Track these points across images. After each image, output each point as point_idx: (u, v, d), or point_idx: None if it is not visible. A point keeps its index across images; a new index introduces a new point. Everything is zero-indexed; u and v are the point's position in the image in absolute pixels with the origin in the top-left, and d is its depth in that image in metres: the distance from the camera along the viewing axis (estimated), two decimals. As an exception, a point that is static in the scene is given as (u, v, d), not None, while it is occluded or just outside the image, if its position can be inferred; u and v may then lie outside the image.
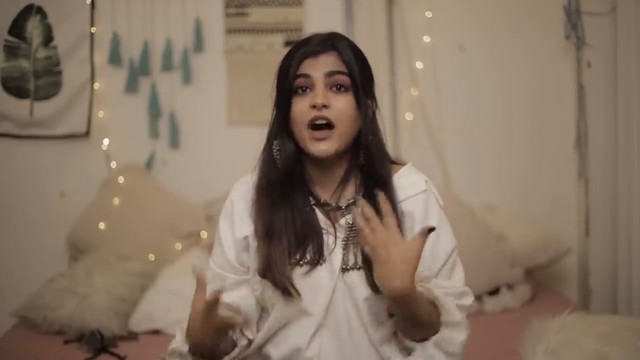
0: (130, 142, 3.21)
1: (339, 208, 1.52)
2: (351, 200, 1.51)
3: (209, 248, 1.82)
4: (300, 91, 1.48)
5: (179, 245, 2.98)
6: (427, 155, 3.22)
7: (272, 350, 1.52)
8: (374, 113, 1.52)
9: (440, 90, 3.24)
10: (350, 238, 1.49)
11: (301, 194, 1.52)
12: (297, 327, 1.50)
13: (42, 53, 3.04)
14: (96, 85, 3.14)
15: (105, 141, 3.19)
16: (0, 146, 3.11)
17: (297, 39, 1.54)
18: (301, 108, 1.47)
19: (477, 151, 3.28)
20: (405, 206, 1.49)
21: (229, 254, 1.53)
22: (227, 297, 1.46)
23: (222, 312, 1.35)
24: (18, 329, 2.58)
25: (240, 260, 1.53)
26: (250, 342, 1.53)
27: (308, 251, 1.48)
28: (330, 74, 1.47)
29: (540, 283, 3.04)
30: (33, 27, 3.03)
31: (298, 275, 1.48)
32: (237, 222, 1.53)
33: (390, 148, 1.58)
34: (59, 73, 3.06)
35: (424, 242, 1.32)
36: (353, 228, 1.48)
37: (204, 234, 3.03)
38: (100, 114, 3.18)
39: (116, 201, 3.04)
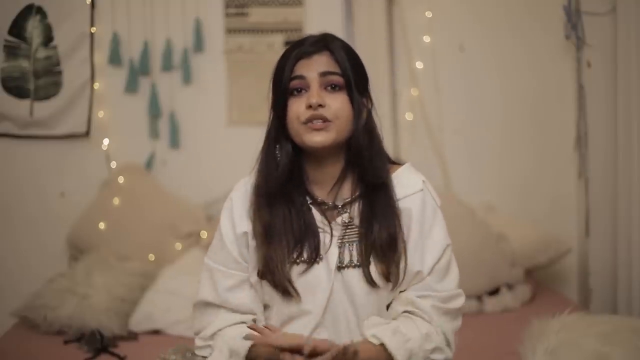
0: (130, 142, 3.21)
1: (335, 207, 1.53)
2: (347, 199, 1.53)
3: (209, 248, 1.82)
4: (295, 92, 1.50)
5: (179, 245, 2.98)
6: (427, 155, 3.21)
7: (272, 349, 1.53)
8: (369, 112, 1.54)
9: (440, 90, 3.23)
10: (346, 236, 1.52)
11: (299, 193, 1.54)
12: (296, 325, 1.51)
13: (42, 53, 3.04)
14: (96, 85, 3.14)
15: (105, 141, 3.19)
16: (0, 146, 3.10)
17: (297, 39, 1.55)
18: (297, 109, 1.48)
19: (477, 151, 3.28)
20: (402, 204, 1.52)
21: (231, 249, 1.55)
22: (238, 298, 1.52)
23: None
24: (18, 329, 2.58)
25: (243, 256, 1.55)
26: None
27: (305, 250, 1.51)
28: (324, 74, 1.49)
29: (540, 283, 3.04)
30: (33, 27, 3.02)
31: (296, 274, 1.50)
32: (237, 219, 1.55)
33: (390, 148, 1.59)
34: (59, 73, 3.06)
35: None
36: (349, 226, 1.51)
37: (204, 234, 3.03)
38: (100, 114, 3.18)
39: (116, 201, 3.04)
